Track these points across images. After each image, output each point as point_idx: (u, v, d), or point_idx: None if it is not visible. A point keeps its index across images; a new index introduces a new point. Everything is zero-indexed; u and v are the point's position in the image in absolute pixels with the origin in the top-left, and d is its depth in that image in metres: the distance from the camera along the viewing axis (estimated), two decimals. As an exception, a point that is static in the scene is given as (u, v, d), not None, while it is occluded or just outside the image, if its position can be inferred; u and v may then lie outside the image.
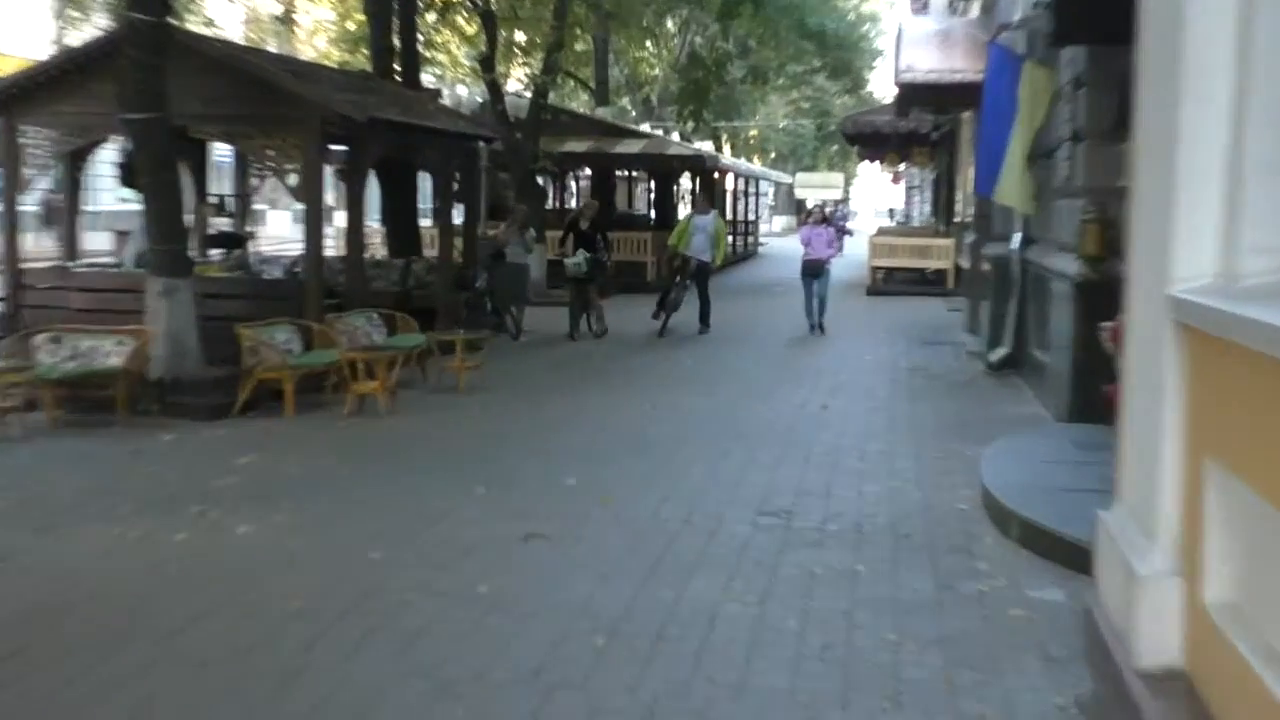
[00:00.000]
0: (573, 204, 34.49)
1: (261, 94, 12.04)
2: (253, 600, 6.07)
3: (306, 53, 34.60)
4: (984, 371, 13.92)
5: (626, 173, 34.54)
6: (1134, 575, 3.95)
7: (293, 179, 12.12)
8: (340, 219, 17.93)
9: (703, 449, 9.71)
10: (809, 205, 58.76)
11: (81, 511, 7.71)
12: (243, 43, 26.05)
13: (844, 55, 40.79)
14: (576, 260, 16.92)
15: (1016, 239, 13.44)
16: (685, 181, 42.05)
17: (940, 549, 7.07)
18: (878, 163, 40.18)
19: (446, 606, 5.99)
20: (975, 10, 21.01)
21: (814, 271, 17.74)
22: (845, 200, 74.24)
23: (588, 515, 7.66)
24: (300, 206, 12.52)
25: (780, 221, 65.79)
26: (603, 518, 7.63)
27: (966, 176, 20.22)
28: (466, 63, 35.95)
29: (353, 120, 12.23)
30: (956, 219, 25.86)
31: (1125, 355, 4.56)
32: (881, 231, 31.62)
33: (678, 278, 17.84)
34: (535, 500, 8.01)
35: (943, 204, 31.38)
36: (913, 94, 17.71)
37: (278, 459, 9.21)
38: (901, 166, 44.44)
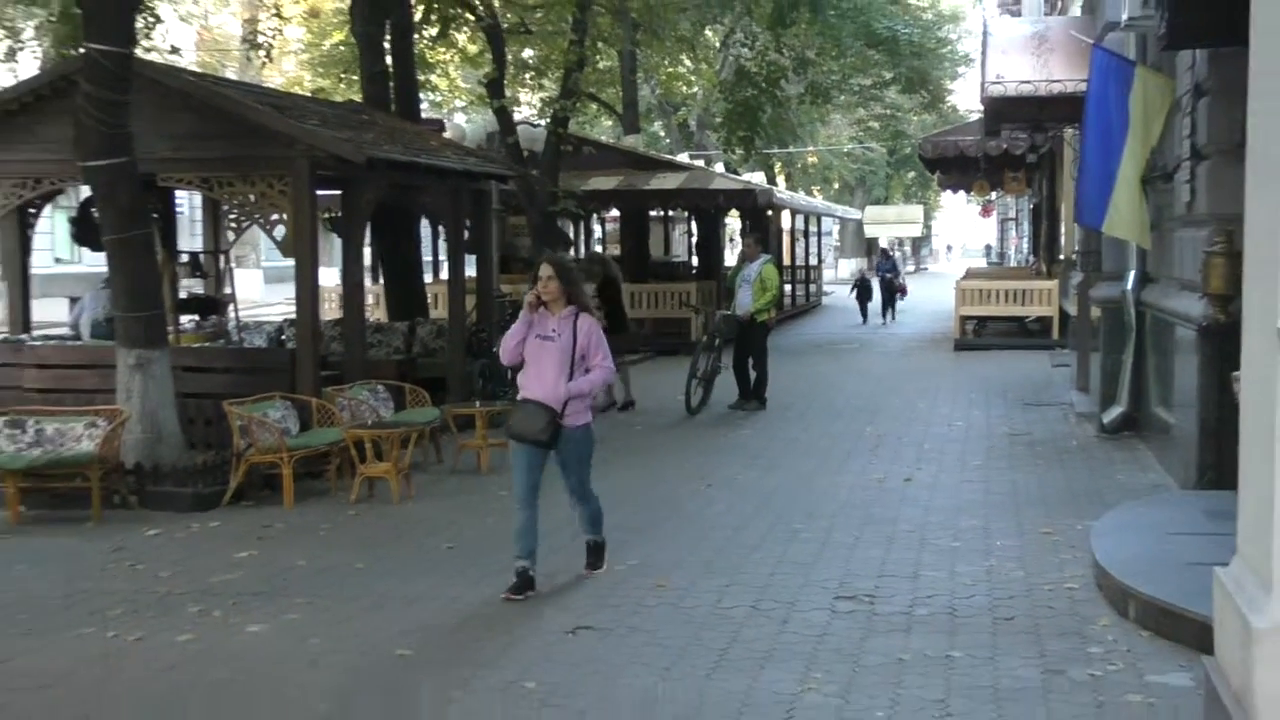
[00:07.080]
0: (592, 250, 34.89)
1: (240, 132, 12.69)
2: (277, 704, 6.66)
3: (271, 80, 35.59)
4: (1097, 435, 14.49)
5: (662, 211, 35.52)
6: (1250, 630, 4.51)
7: (280, 230, 12.75)
8: (326, 278, 18.47)
9: (768, 530, 10.23)
10: (883, 245, 60.34)
11: (66, 615, 8.31)
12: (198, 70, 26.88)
13: (920, 65, 41.68)
14: None
15: (1131, 278, 13.97)
16: (733, 221, 43.16)
17: (1047, 632, 7.52)
18: (962, 192, 41.17)
19: (492, 705, 6.59)
20: (1075, 8, 21.64)
21: (542, 430, 8.90)
22: (922, 240, 73.94)
23: (641, 603, 8.26)
24: (274, 264, 13.07)
25: (847, 266, 67.39)
26: (658, 606, 8.19)
27: (1070, 205, 20.74)
28: (466, 86, 37.02)
29: (347, 161, 12.83)
30: (1061, 256, 26.65)
31: (1241, 398, 5.10)
32: (970, 274, 32.87)
33: (706, 338, 18.08)
34: (579, 589, 8.62)
35: (1043, 239, 32.37)
36: (1004, 109, 17.85)
37: (281, 553, 9.82)
38: (993, 196, 45.40)
